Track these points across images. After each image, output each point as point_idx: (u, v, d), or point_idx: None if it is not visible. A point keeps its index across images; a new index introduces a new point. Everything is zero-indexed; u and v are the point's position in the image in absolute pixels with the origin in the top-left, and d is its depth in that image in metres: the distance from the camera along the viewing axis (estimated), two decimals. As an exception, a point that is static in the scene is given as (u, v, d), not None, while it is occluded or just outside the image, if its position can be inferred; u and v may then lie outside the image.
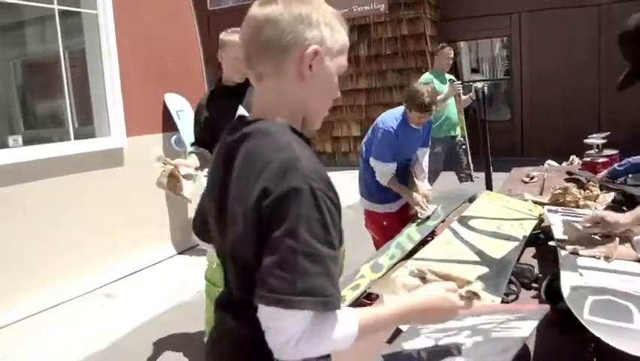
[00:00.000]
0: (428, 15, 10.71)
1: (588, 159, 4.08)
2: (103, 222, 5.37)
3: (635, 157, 3.21)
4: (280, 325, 1.06)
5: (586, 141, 4.25)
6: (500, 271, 2.08)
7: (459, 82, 6.23)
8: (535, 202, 3.04)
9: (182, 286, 5.06)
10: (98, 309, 4.73)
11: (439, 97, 5.80)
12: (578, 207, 2.87)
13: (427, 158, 4.10)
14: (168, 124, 6.25)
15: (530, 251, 2.48)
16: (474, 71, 13.34)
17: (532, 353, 1.64)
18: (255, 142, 1.18)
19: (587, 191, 3.06)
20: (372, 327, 1.18)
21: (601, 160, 4.02)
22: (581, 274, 1.62)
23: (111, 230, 5.42)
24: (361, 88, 10.90)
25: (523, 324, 1.39)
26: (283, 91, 1.21)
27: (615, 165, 3.37)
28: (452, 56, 6.34)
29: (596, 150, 4.13)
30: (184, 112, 6.33)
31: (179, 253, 6.18)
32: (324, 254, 1.07)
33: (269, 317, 1.07)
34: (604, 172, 3.41)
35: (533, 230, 2.58)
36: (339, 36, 1.24)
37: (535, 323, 1.40)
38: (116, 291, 5.14)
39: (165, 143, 6.21)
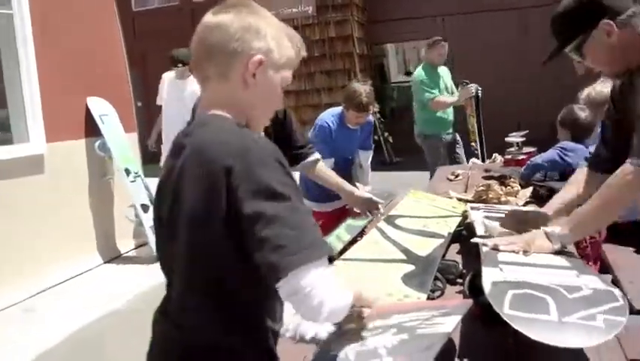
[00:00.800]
0: (355, 17, 10.85)
1: (509, 157, 4.25)
2: (22, 233, 5.12)
3: (534, 158, 3.36)
4: (307, 284, 1.10)
5: (507, 139, 4.42)
6: (426, 268, 2.12)
7: (472, 85, 5.91)
8: (460, 199, 3.12)
9: (112, 295, 4.91)
10: (19, 324, 4.51)
11: (450, 100, 5.75)
12: (500, 203, 2.98)
13: (369, 162, 4.12)
14: (92, 129, 6.04)
15: (455, 247, 2.54)
16: (408, 73, 13.61)
17: (457, 347, 1.68)
18: (205, 132, 1.23)
19: (508, 187, 3.17)
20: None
21: (520, 157, 4.20)
22: (501, 270, 1.66)
23: (31, 241, 5.17)
24: (290, 90, 10.89)
25: (447, 319, 1.42)
26: (227, 94, 1.27)
27: (522, 170, 3.51)
28: (446, 51, 6.11)
29: (516, 148, 4.30)
30: (108, 116, 6.14)
31: (106, 262, 5.99)
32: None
33: (295, 282, 1.10)
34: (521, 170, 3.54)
35: (457, 226, 2.65)
36: (286, 51, 1.31)
37: (458, 318, 1.42)
38: (38, 304, 4.91)
39: (89, 148, 6.00)
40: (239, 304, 1.23)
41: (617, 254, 3.36)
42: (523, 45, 10.86)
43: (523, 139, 4.45)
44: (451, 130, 6.04)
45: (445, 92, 5.96)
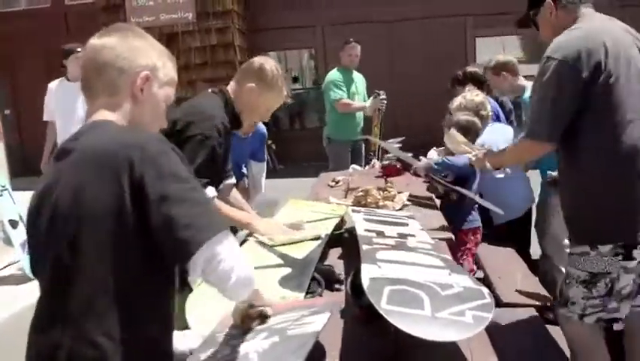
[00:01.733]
0: (237, 25, 10.81)
1: (387, 162, 4.40)
2: None
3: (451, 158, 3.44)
4: (221, 250, 1.22)
5: (383, 145, 4.59)
6: (303, 269, 2.15)
7: (384, 97, 5.78)
8: (340, 205, 3.19)
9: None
10: None
11: (356, 105, 5.68)
12: (378, 207, 3.08)
13: (264, 176, 4.05)
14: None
15: (337, 252, 2.60)
16: (295, 80, 13.74)
17: (339, 346, 1.72)
18: (97, 133, 1.31)
19: (386, 192, 3.29)
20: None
21: (398, 163, 4.37)
22: (379, 266, 1.72)
23: None
24: (171, 97, 10.66)
25: (316, 318, 1.45)
26: (117, 109, 1.38)
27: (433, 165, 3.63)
28: (356, 53, 5.92)
29: (392, 155, 4.47)
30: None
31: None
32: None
33: (211, 250, 1.21)
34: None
35: (338, 230, 2.70)
36: (169, 70, 1.47)
37: (327, 315, 1.46)
38: None
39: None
40: (139, 308, 1.27)
41: (488, 253, 3.61)
42: (394, 56, 11.40)
43: (400, 145, 4.63)
44: (359, 136, 5.91)
45: (356, 98, 5.88)
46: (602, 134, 2.19)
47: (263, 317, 1.56)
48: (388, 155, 4.58)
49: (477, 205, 3.23)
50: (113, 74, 1.36)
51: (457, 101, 3.65)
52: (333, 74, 5.76)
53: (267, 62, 2.59)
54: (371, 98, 5.85)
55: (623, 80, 2.15)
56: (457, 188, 3.07)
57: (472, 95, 3.68)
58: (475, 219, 3.33)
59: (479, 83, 4.45)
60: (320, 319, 1.43)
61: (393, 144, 4.53)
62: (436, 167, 3.18)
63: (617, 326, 2.25)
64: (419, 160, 3.33)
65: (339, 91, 5.64)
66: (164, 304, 1.34)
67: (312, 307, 1.57)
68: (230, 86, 2.58)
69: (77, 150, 1.29)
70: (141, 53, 1.40)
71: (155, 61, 1.42)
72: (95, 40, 1.40)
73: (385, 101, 5.76)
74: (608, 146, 2.18)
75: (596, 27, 2.25)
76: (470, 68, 4.61)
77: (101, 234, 1.21)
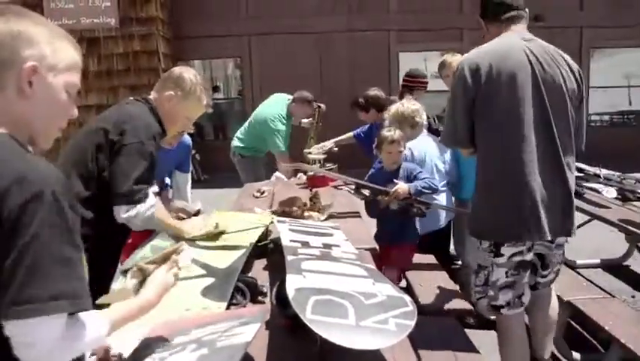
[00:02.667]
0: (161, 32, 10.62)
1: (312, 173, 4.44)
2: None
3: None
4: (33, 337, 1.03)
5: (310, 156, 4.63)
6: (226, 278, 2.13)
7: (322, 105, 5.50)
8: (265, 215, 3.18)
9: None
10: None
11: (306, 122, 5.51)
12: (303, 217, 3.10)
13: (189, 186, 3.97)
14: None
15: (262, 263, 2.59)
16: (215, 89, 13.59)
17: (265, 357, 1.71)
18: None
19: (311, 203, 3.31)
20: (123, 321, 1.30)
21: (322, 173, 4.42)
22: (304, 277, 1.73)
23: None
24: (91, 104, 10.26)
25: (246, 329, 1.44)
26: (3, 109, 1.17)
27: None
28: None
29: (319, 165, 4.52)
30: None
31: None
32: (73, 257, 1.08)
33: (21, 330, 1.03)
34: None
35: (263, 241, 2.69)
36: (64, 54, 1.23)
37: (257, 326, 1.46)
38: None
39: None
40: None
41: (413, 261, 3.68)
42: (322, 65, 11.54)
43: (325, 156, 4.69)
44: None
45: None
46: (482, 143, 2.50)
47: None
48: (312, 166, 4.62)
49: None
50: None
51: (394, 107, 3.80)
52: (284, 124, 5.39)
53: (187, 71, 2.60)
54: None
55: (505, 94, 2.40)
56: (443, 205, 3.45)
57: (409, 103, 3.85)
58: (417, 234, 3.55)
59: (380, 107, 4.53)
60: (250, 329, 1.42)
61: (319, 153, 4.58)
62: (420, 188, 3.30)
63: (503, 311, 2.55)
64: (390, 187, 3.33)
65: (285, 143, 5.37)
66: None
67: (241, 318, 1.56)
68: (152, 95, 2.55)
69: None
70: (26, 41, 1.18)
71: (42, 47, 1.19)
72: None
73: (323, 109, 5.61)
74: (487, 154, 2.51)
75: (499, 44, 2.51)
76: (372, 92, 4.65)
77: None
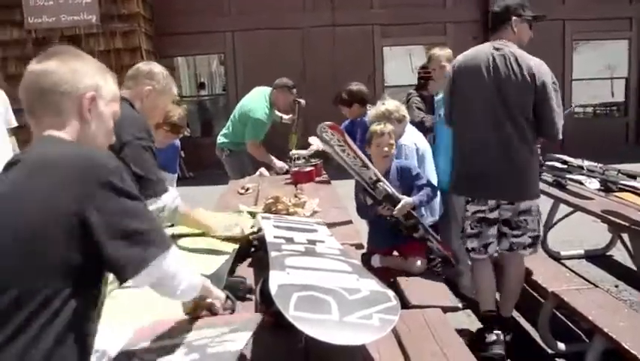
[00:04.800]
0: (143, 29, 10.53)
1: (296, 169, 4.44)
2: None
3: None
4: (165, 272, 1.32)
5: (292, 152, 4.64)
6: (214, 284, 2.12)
7: (302, 100, 5.53)
8: (250, 213, 3.18)
9: None
10: None
11: (287, 117, 5.56)
12: (288, 213, 3.09)
13: (174, 186, 3.93)
14: None
15: (246, 262, 2.57)
16: (200, 86, 13.53)
17: (249, 356, 1.71)
18: (47, 145, 1.33)
19: (296, 199, 3.31)
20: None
21: (308, 169, 4.42)
22: (287, 273, 1.73)
23: None
24: (74, 103, 10.22)
25: (237, 336, 1.44)
26: (64, 127, 1.37)
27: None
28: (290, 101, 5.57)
29: (303, 160, 4.52)
30: None
31: None
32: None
33: (155, 271, 1.29)
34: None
35: (247, 246, 2.67)
36: (111, 86, 1.49)
37: (249, 334, 1.46)
38: None
39: None
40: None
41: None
42: (305, 61, 11.53)
43: (311, 152, 4.69)
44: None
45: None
46: (455, 122, 3.33)
47: (211, 311, 1.69)
48: (297, 162, 4.62)
49: None
50: (56, 97, 1.36)
51: (376, 109, 3.81)
52: (265, 114, 5.38)
53: (154, 66, 2.72)
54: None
55: (467, 92, 3.19)
56: (437, 239, 3.51)
57: (387, 100, 3.87)
58: None
59: (363, 101, 4.54)
60: (240, 338, 1.42)
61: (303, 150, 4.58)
62: (422, 201, 3.40)
63: (472, 255, 3.26)
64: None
65: (260, 132, 5.38)
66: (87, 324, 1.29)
67: (232, 325, 1.56)
68: (123, 93, 2.55)
69: (25, 161, 1.29)
70: (83, 74, 1.41)
71: (97, 80, 1.43)
72: (34, 66, 1.39)
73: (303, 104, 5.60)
74: (457, 131, 3.32)
75: (472, 49, 3.26)
76: (354, 87, 4.62)
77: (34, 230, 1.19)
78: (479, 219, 3.20)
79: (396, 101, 3.94)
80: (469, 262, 3.49)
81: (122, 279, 1.28)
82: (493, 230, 3.20)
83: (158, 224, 1.37)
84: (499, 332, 3.19)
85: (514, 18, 3.14)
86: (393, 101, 3.91)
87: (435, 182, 3.76)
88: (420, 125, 4.32)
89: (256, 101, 5.43)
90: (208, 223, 2.66)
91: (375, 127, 3.42)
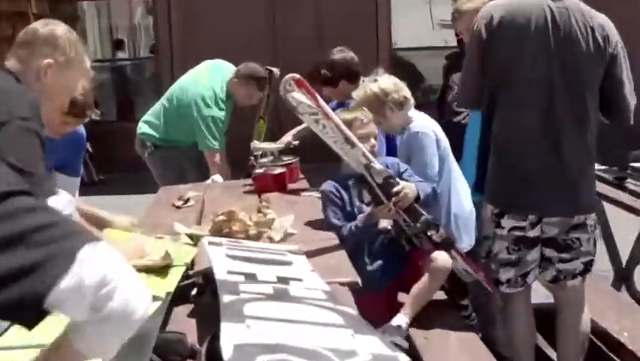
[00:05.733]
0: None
1: (261, 171, 4.41)
2: None
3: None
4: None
5: (257, 145, 4.61)
6: (139, 348, 2.10)
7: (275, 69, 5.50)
8: (191, 236, 3.15)
9: None
10: None
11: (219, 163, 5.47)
12: (248, 237, 3.07)
13: (77, 194, 3.94)
14: None
15: (186, 309, 2.56)
16: (117, 45, 13.33)
17: None
18: None
19: (260, 215, 3.29)
20: None
21: (278, 171, 4.39)
22: (248, 326, 1.72)
23: None
24: None
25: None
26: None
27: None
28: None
29: (271, 159, 4.50)
30: None
31: None
32: None
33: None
34: None
35: (185, 278, 2.65)
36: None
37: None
38: None
39: None
40: None
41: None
42: (280, 23, 11.52)
43: (281, 146, 4.68)
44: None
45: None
46: (484, 104, 3.37)
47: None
48: (262, 160, 4.60)
49: None
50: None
51: (366, 87, 3.83)
52: (220, 109, 5.42)
53: (57, 26, 2.71)
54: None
55: (509, 59, 3.26)
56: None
57: (382, 76, 3.88)
58: None
59: (354, 76, 4.56)
60: None
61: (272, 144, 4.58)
62: (429, 192, 3.48)
63: (502, 288, 3.36)
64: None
65: (220, 136, 5.39)
66: None
67: None
68: (11, 65, 2.58)
69: None
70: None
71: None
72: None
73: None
74: (489, 116, 3.34)
75: None
76: (337, 56, 4.63)
77: None
78: (517, 239, 3.27)
79: (393, 77, 3.98)
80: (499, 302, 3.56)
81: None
82: (535, 254, 3.31)
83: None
84: None
85: None
86: (390, 77, 3.95)
87: (469, 196, 3.81)
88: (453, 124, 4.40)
89: (207, 85, 5.45)
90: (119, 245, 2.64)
91: (352, 114, 3.49)
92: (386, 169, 3.35)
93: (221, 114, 5.31)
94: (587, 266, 3.34)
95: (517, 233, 3.24)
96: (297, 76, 3.28)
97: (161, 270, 2.65)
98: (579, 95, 3.16)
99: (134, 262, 2.63)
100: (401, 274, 3.53)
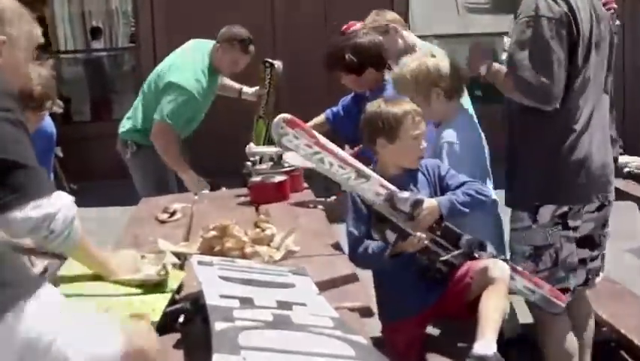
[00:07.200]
0: None
1: (258, 179, 4.41)
2: None
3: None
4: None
5: (250, 149, 4.62)
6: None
7: (278, 63, 5.72)
8: (178, 254, 3.15)
9: None
10: None
11: (251, 91, 5.68)
12: (244, 256, 3.08)
13: None
14: None
15: (172, 339, 2.57)
16: (94, 33, 13.33)
17: None
18: None
19: (257, 230, 3.30)
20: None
21: (279, 179, 4.39)
22: (244, 358, 1.74)
23: None
24: None
25: None
26: None
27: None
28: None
29: (270, 165, 4.51)
30: None
31: None
32: None
33: None
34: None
35: (170, 304, 2.66)
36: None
37: None
38: None
39: None
40: None
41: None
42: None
43: (282, 150, 4.68)
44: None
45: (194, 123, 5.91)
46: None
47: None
48: (258, 167, 4.62)
49: None
50: None
51: (410, 64, 3.78)
52: (198, 81, 5.52)
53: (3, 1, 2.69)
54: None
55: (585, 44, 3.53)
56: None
57: (440, 53, 4.00)
58: None
59: (381, 63, 4.54)
60: None
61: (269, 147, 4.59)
62: (457, 203, 3.27)
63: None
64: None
65: (176, 113, 5.43)
66: None
67: None
68: None
69: None
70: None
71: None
72: None
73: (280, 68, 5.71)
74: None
75: None
76: (365, 38, 4.54)
77: None
78: (570, 240, 3.59)
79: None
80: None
81: None
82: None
83: None
84: None
85: None
86: (443, 52, 3.97)
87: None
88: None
89: (186, 58, 5.57)
90: (103, 261, 2.73)
91: (401, 105, 3.37)
92: (412, 192, 3.21)
93: (198, 87, 5.39)
94: (603, 261, 3.79)
95: (571, 234, 3.55)
96: (288, 116, 3.22)
97: (154, 288, 2.67)
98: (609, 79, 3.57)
99: (129, 277, 2.68)
100: (437, 298, 3.37)
